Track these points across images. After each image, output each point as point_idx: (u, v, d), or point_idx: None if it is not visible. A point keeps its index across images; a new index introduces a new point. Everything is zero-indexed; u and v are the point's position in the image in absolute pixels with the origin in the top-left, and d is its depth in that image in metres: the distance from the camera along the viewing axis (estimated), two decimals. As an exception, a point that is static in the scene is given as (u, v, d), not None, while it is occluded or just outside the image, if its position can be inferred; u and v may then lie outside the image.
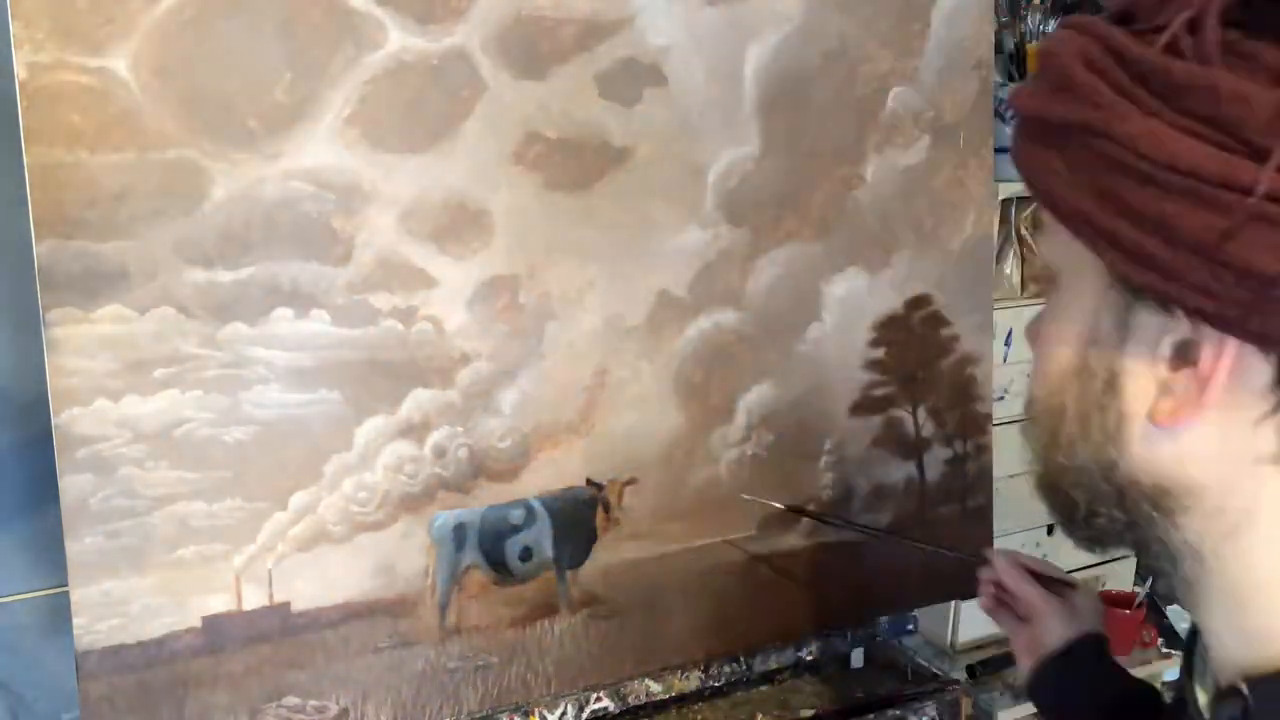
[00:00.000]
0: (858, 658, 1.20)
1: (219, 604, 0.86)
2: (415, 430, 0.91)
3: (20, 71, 0.74)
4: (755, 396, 1.05)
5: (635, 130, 0.95)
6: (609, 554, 1.00)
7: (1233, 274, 0.39)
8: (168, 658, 0.84)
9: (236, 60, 0.80)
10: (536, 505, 0.97)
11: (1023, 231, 1.40)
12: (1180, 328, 0.42)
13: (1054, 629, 0.81)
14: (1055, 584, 0.84)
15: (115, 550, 0.81)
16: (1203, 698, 0.49)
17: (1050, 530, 1.39)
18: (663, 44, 0.94)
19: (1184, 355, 0.42)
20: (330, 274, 0.86)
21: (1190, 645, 0.52)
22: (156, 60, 0.77)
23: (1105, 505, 0.47)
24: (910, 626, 1.22)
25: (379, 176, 0.86)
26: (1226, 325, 0.41)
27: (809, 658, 1.14)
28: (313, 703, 0.90)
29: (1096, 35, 0.42)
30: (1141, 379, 0.44)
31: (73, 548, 0.80)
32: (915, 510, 1.15)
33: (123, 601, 0.82)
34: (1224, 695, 0.45)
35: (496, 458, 0.95)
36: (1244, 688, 0.43)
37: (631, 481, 1.00)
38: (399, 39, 0.85)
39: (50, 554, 0.89)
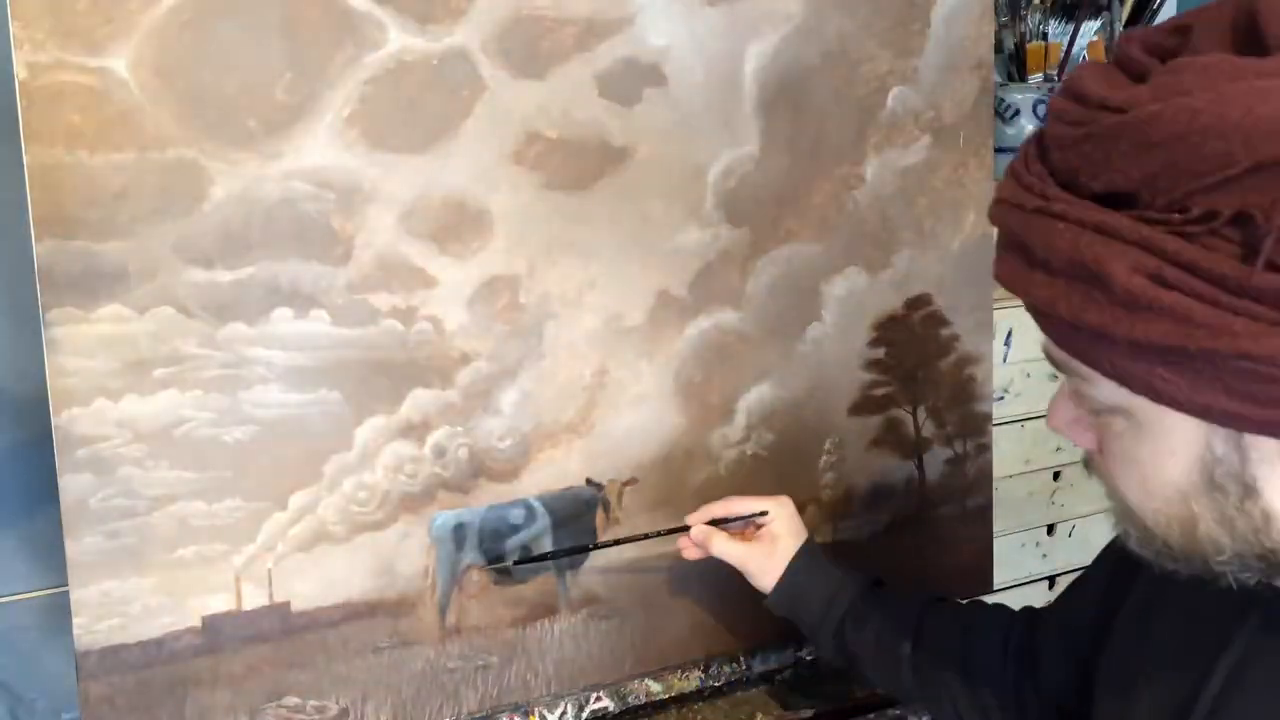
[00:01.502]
0: (858, 658, 1.19)
1: (219, 604, 0.86)
2: (415, 430, 0.91)
3: (20, 71, 0.74)
4: (755, 396, 1.05)
5: (635, 130, 0.95)
6: (609, 554, 1.00)
7: None
8: (168, 658, 0.84)
9: (236, 60, 0.80)
10: (536, 505, 0.97)
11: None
12: None
13: (763, 568, 0.94)
14: (749, 520, 0.96)
15: (115, 550, 0.82)
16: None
17: (1050, 530, 1.39)
18: (663, 44, 0.94)
19: None
20: (330, 274, 0.86)
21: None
22: (156, 60, 0.77)
23: (1249, 570, 0.52)
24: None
25: (379, 176, 0.86)
26: None
27: (809, 658, 1.14)
28: (313, 703, 0.90)
29: (1147, 247, 0.43)
30: (1275, 481, 0.48)
31: (73, 548, 0.80)
32: (915, 510, 1.15)
33: (123, 601, 0.82)
34: None
35: (496, 458, 0.95)
36: None
37: (631, 481, 1.00)
38: (399, 39, 0.85)
39: (50, 554, 0.89)
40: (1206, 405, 0.46)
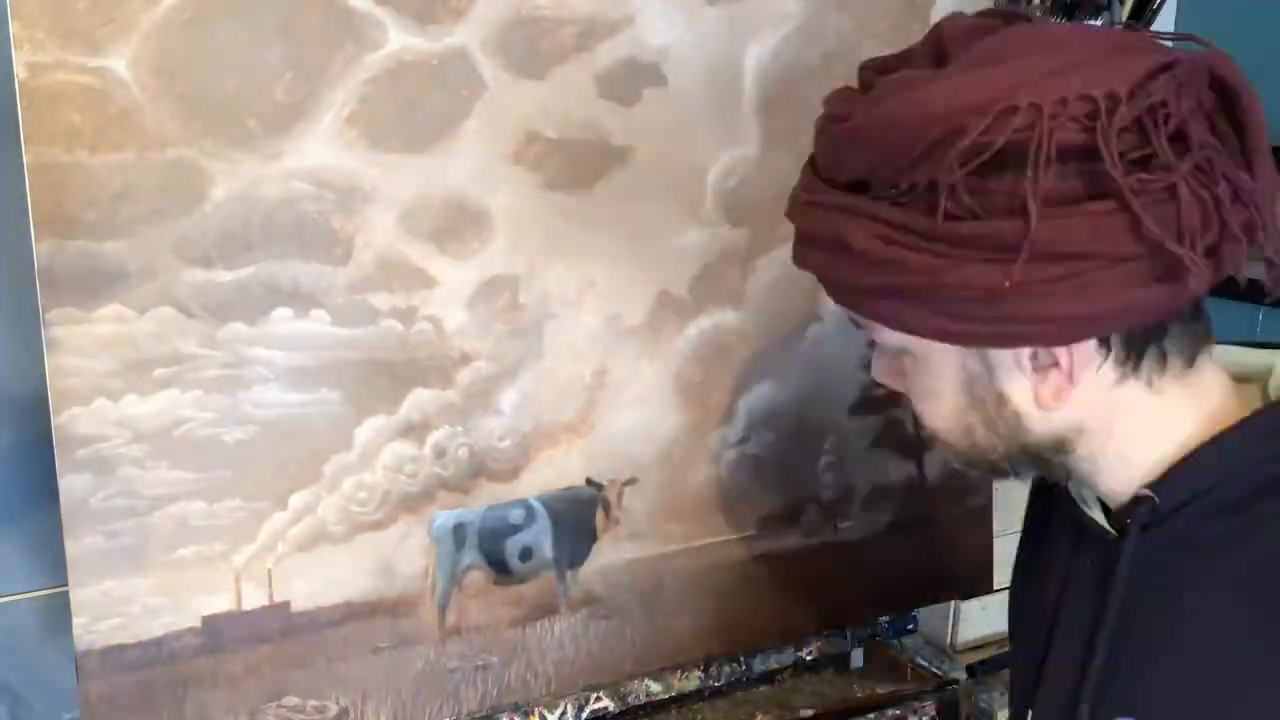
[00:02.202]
0: (858, 658, 1.20)
1: (219, 604, 0.86)
2: (415, 430, 0.91)
3: (20, 71, 0.74)
4: (755, 396, 1.05)
5: (635, 130, 0.95)
6: (609, 554, 1.00)
7: (1057, 322, 0.57)
8: (168, 658, 0.84)
9: (236, 60, 0.80)
10: (536, 505, 0.97)
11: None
12: (1026, 351, 0.60)
13: None
14: None
15: (115, 550, 0.82)
16: (1100, 516, 0.68)
17: (1050, 530, 1.39)
18: (663, 44, 0.94)
19: (1046, 363, 0.60)
20: (330, 274, 0.86)
21: (1048, 503, 0.75)
22: (156, 60, 0.77)
23: (1023, 464, 0.66)
24: (910, 626, 1.22)
25: (379, 176, 0.86)
26: (1066, 343, 0.59)
27: (809, 658, 1.14)
28: (313, 703, 0.90)
29: (874, 217, 0.58)
30: (1018, 386, 0.62)
31: (73, 548, 0.80)
32: (915, 510, 1.15)
33: (123, 601, 0.82)
34: (1132, 504, 0.63)
35: (496, 458, 0.95)
36: (1148, 492, 0.62)
37: (631, 481, 1.00)
38: (399, 39, 0.85)
39: (50, 554, 0.89)
40: (943, 329, 0.59)
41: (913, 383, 0.67)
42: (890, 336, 0.65)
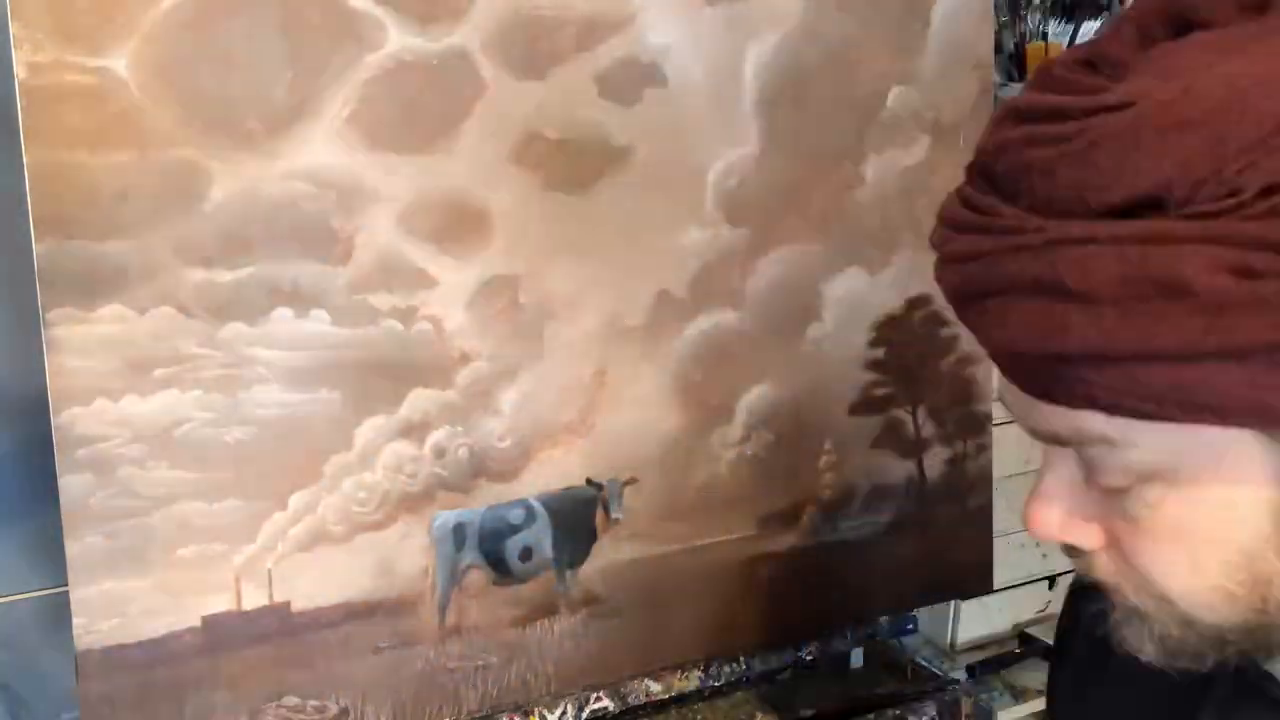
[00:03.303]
0: (858, 658, 1.20)
1: (219, 604, 0.86)
2: (415, 430, 0.91)
3: (20, 71, 0.73)
4: (755, 396, 1.05)
5: (635, 130, 0.95)
6: (609, 554, 1.00)
7: None
8: (168, 658, 0.84)
9: (236, 60, 0.80)
10: (536, 505, 0.97)
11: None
12: None
13: None
14: None
15: (115, 550, 0.82)
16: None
17: (1050, 530, 1.39)
18: (663, 44, 0.94)
19: None
20: (330, 274, 0.86)
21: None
22: (156, 60, 0.77)
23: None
24: (910, 626, 1.22)
25: (379, 176, 0.86)
26: None
27: (809, 658, 1.14)
28: (313, 703, 0.90)
29: (1211, 238, 0.37)
30: None
31: (73, 548, 0.80)
32: (915, 510, 1.15)
33: (123, 601, 0.82)
34: None
35: (496, 458, 0.95)
36: None
37: (631, 481, 1.00)
38: (399, 39, 0.85)
39: (50, 554, 0.89)
40: (1273, 406, 0.39)
41: (1161, 520, 0.44)
42: (1152, 449, 0.43)
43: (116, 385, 0.80)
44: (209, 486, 0.84)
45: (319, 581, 0.89)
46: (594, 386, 0.97)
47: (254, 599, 0.87)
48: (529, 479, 0.96)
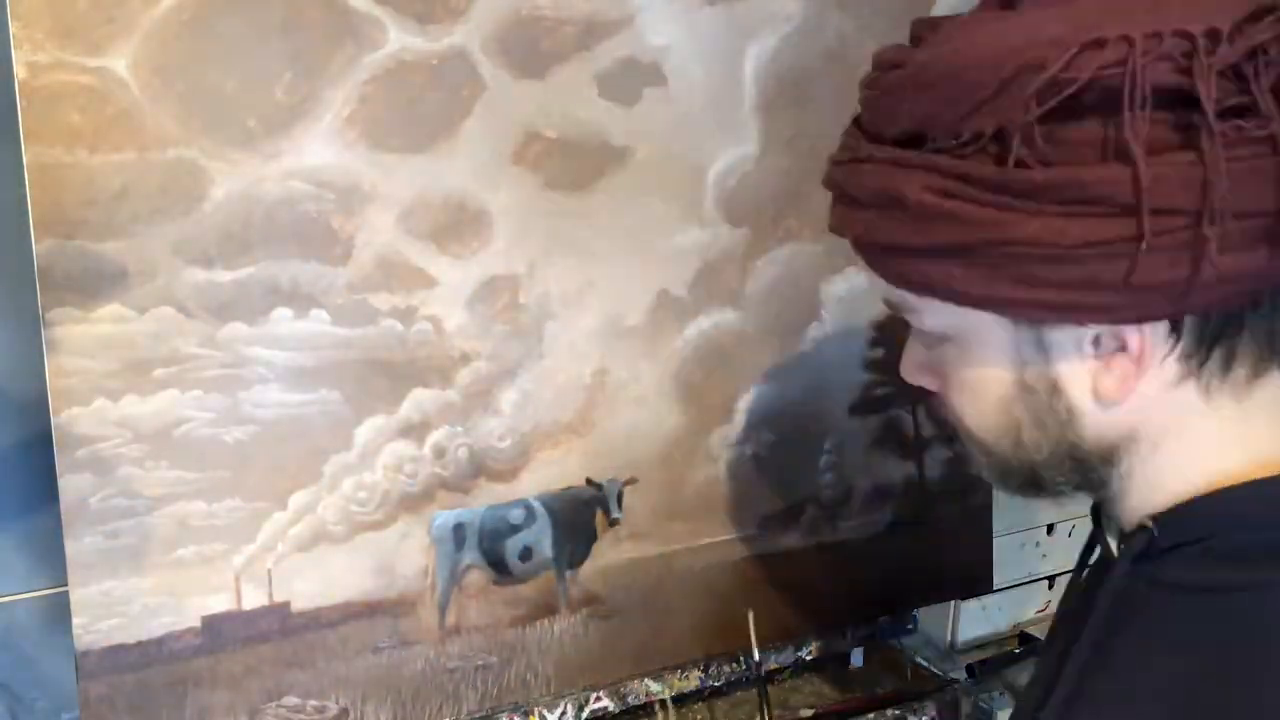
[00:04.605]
0: (858, 658, 1.20)
1: (219, 604, 0.86)
2: (415, 430, 0.91)
3: (20, 71, 0.73)
4: (755, 396, 1.05)
5: (635, 130, 0.95)
6: (609, 554, 1.00)
7: (1138, 291, 0.50)
8: (167, 658, 0.84)
9: (236, 60, 0.80)
10: (536, 505, 0.97)
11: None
12: (1090, 332, 0.54)
13: None
14: None
15: (115, 550, 0.82)
16: (1113, 543, 0.63)
17: (1050, 529, 1.39)
18: (663, 44, 0.94)
19: (1111, 347, 0.54)
20: (330, 274, 0.86)
21: (1096, 516, 0.65)
22: (156, 60, 0.77)
23: (1065, 475, 0.60)
24: (910, 626, 1.22)
25: (379, 176, 0.86)
26: (1141, 319, 0.53)
27: (809, 658, 1.14)
28: (312, 703, 0.90)
29: (930, 168, 0.52)
30: (1076, 375, 0.56)
31: (72, 548, 0.80)
32: (915, 510, 1.15)
33: (122, 601, 0.82)
34: (1133, 532, 0.58)
35: (496, 458, 0.95)
36: (1149, 523, 0.57)
37: (631, 481, 1.00)
38: (399, 39, 0.85)
39: (50, 554, 0.89)
40: (1003, 298, 0.53)
41: (953, 375, 0.61)
42: (936, 319, 0.59)
43: (116, 385, 0.80)
44: (209, 486, 0.84)
45: (319, 581, 0.89)
46: (594, 386, 0.97)
47: (254, 599, 0.87)
48: (529, 479, 0.96)
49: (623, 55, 0.93)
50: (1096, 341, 0.54)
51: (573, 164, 0.93)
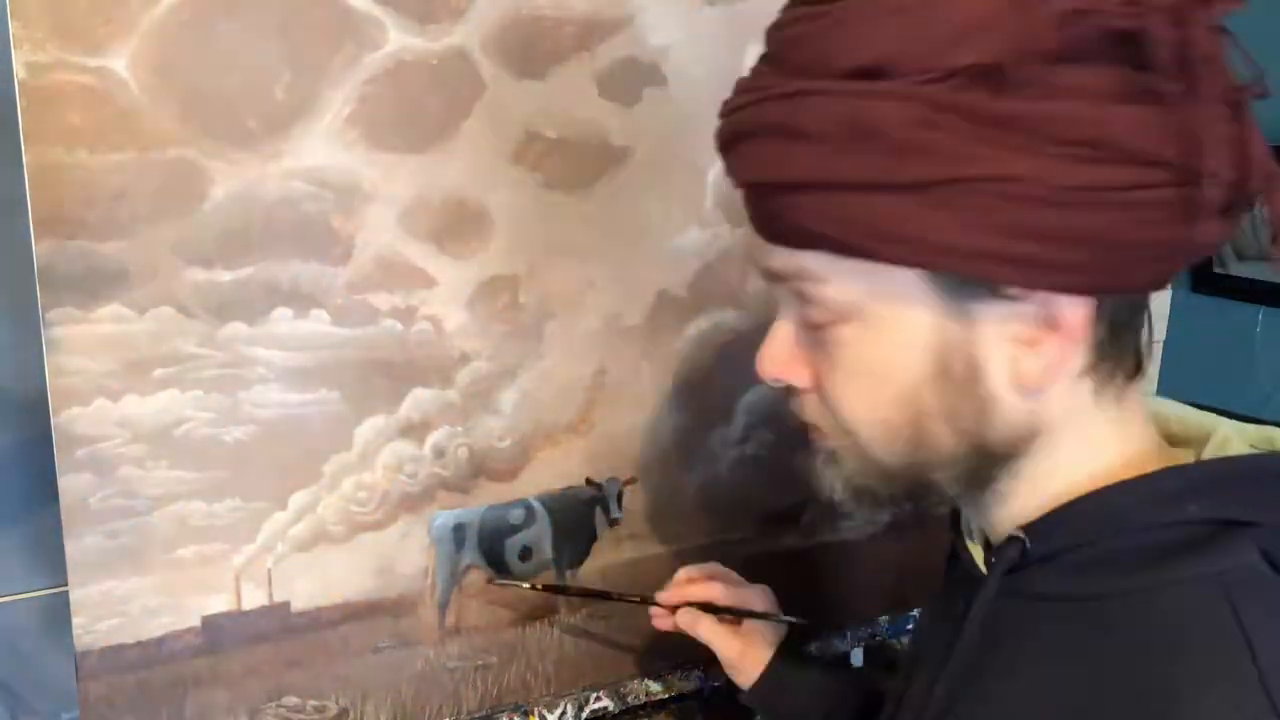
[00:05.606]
0: (858, 658, 1.20)
1: (219, 604, 0.86)
2: (415, 430, 0.91)
3: (20, 71, 0.73)
4: (755, 396, 1.05)
5: (635, 130, 0.95)
6: (609, 554, 1.00)
7: (1118, 248, 0.48)
8: (167, 658, 0.84)
9: (236, 60, 0.80)
10: (536, 505, 0.97)
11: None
12: (1021, 307, 0.50)
13: (748, 663, 0.89)
14: (733, 613, 0.89)
15: (115, 550, 0.82)
16: (978, 553, 0.60)
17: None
18: (663, 44, 0.94)
19: (1041, 325, 0.50)
20: (330, 274, 0.86)
21: (955, 525, 0.64)
22: (156, 60, 0.77)
23: (958, 474, 0.55)
24: (910, 626, 1.22)
25: (379, 176, 0.86)
26: (1096, 288, 0.49)
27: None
28: (312, 703, 0.90)
29: (907, 97, 0.47)
30: (998, 359, 0.51)
31: (72, 548, 0.80)
32: (915, 510, 1.15)
33: (122, 601, 0.82)
34: (1003, 545, 0.55)
35: (496, 458, 0.95)
36: (1020, 534, 0.54)
37: (631, 481, 1.00)
38: (399, 39, 0.85)
39: (50, 554, 0.90)
40: (971, 246, 0.48)
41: (847, 362, 0.54)
42: (844, 289, 0.52)
43: (116, 385, 0.80)
44: (209, 486, 0.84)
45: (319, 581, 0.89)
46: (594, 386, 0.97)
47: (254, 599, 0.87)
48: (529, 479, 0.96)
49: (623, 55, 0.93)
50: (1028, 319, 0.50)
51: (572, 164, 0.93)
